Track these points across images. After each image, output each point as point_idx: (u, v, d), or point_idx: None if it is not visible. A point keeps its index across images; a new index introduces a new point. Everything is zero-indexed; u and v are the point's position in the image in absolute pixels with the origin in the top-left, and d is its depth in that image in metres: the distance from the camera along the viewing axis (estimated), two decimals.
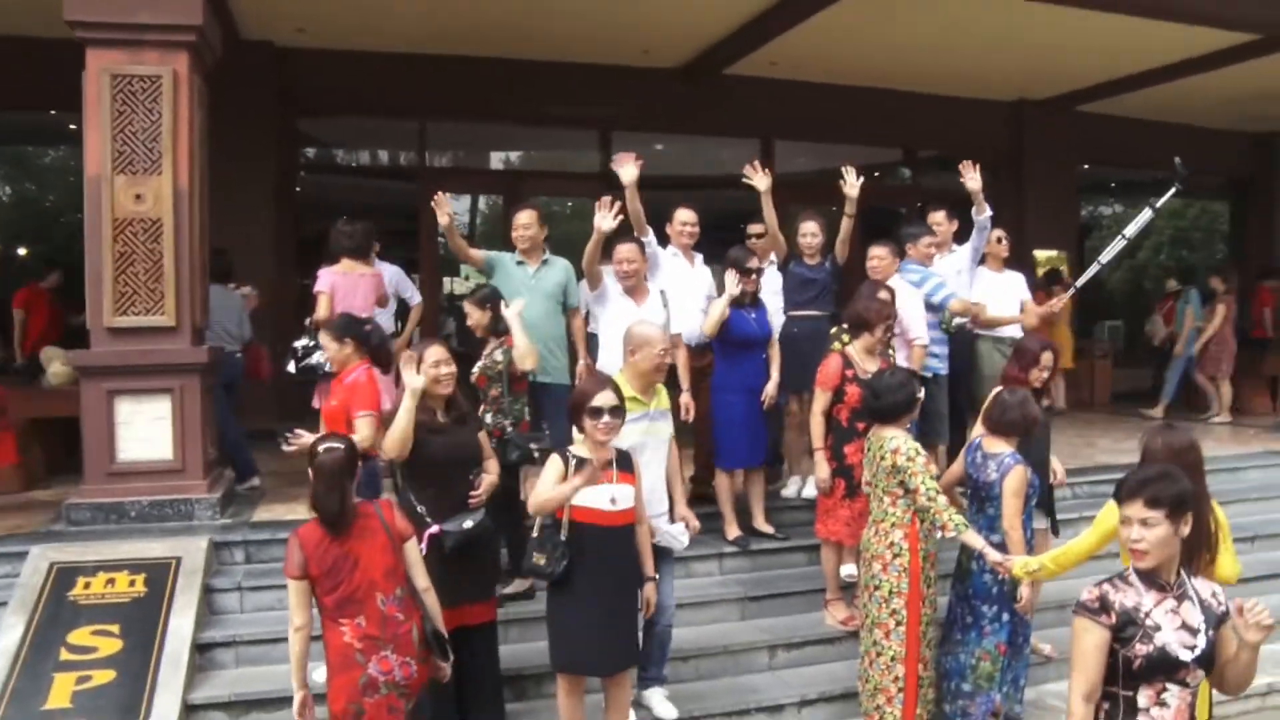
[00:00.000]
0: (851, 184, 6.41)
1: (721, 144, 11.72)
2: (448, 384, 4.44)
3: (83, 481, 6.06)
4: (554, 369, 5.98)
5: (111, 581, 5.29)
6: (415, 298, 7.80)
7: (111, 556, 5.44)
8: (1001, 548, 4.70)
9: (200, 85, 6.28)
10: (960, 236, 7.24)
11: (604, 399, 4.10)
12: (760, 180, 6.27)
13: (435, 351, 4.42)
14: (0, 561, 5.55)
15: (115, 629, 5.02)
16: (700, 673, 5.40)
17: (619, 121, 10.71)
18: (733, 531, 6.23)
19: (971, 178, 6.60)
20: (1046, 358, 5.36)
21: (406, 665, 3.76)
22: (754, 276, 5.99)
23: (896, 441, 4.79)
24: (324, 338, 5.19)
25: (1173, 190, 7.55)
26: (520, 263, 6.07)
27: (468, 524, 4.33)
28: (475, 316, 5.50)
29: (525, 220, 6.07)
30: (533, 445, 5.04)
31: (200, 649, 5.11)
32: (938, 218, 7.15)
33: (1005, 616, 4.87)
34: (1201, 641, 2.83)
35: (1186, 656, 2.82)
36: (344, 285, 6.21)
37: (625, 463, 4.26)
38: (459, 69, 9.85)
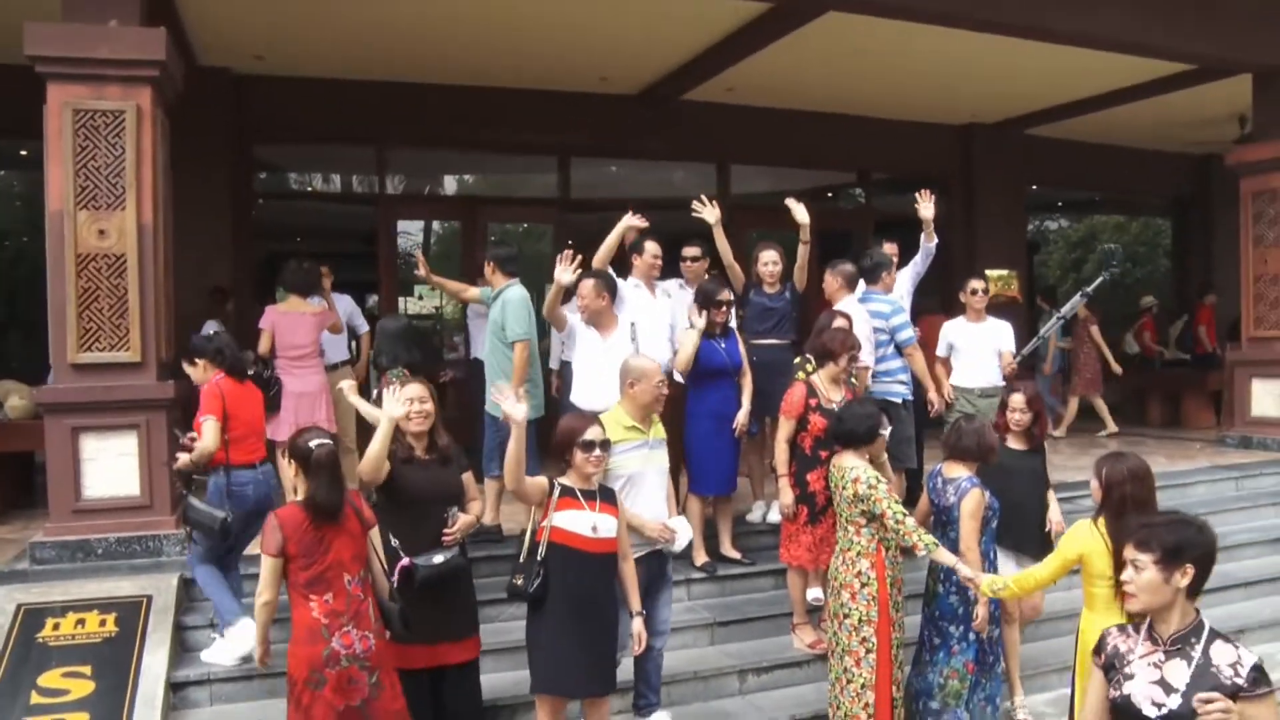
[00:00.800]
0: (798, 211, 6.50)
1: (678, 168, 11.87)
2: (419, 422, 4.48)
3: (47, 519, 6.00)
4: (535, 406, 6.08)
5: (81, 622, 5.25)
6: (363, 327, 8.25)
7: (80, 596, 5.40)
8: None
9: (163, 119, 6.27)
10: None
11: (594, 433, 4.30)
12: (709, 213, 6.38)
13: (412, 389, 4.49)
14: None
15: (87, 670, 4.99)
16: (672, 698, 5.44)
17: (576, 147, 10.79)
18: (700, 557, 6.32)
19: (925, 206, 6.83)
20: (1014, 400, 5.54)
21: (366, 639, 4.00)
22: (724, 308, 6.09)
23: (856, 471, 4.90)
24: (184, 364, 5.60)
25: (1102, 278, 8.95)
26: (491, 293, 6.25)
27: (438, 559, 4.35)
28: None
29: (498, 254, 6.38)
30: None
31: (174, 688, 5.10)
32: (890, 249, 7.33)
33: (971, 636, 5.02)
34: (1174, 703, 2.74)
35: (1151, 713, 2.77)
36: (284, 323, 6.87)
37: (608, 496, 4.38)
38: (417, 95, 9.87)
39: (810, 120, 11.37)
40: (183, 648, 5.39)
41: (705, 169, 11.56)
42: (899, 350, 6.67)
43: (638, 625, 4.41)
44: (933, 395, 6.79)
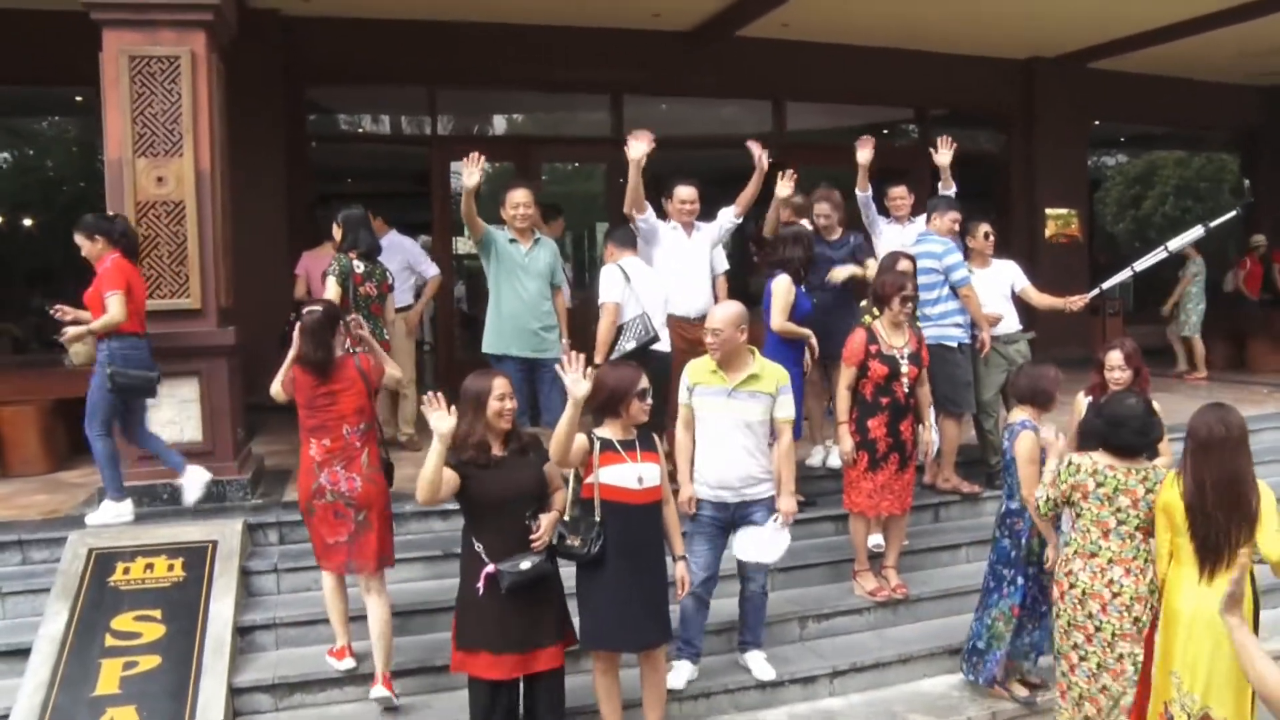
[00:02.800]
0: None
1: (732, 105, 11.64)
2: (510, 418, 4.17)
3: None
4: (552, 345, 6.10)
5: (150, 566, 5.33)
6: (430, 270, 8.07)
7: (149, 541, 5.49)
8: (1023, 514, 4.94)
9: (218, 64, 6.22)
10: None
11: (645, 381, 4.30)
12: (784, 188, 6.42)
13: (501, 384, 4.14)
14: (39, 547, 5.62)
15: (157, 614, 5.07)
16: (732, 645, 5.46)
17: (629, 85, 10.61)
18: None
19: (943, 153, 6.76)
20: (1111, 358, 5.27)
21: (352, 480, 4.66)
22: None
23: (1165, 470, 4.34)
24: (77, 238, 5.63)
25: (1233, 213, 7.87)
26: (513, 241, 6.08)
27: (525, 565, 4.02)
28: None
29: (524, 199, 6.05)
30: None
31: (241, 632, 5.18)
32: (898, 191, 7.08)
33: (1020, 580, 5.02)
34: None
35: None
36: (315, 266, 6.92)
37: (648, 442, 4.35)
38: (467, 35, 9.74)
39: (867, 56, 11.06)
40: (248, 592, 5.47)
41: (760, 106, 11.34)
42: (954, 291, 6.52)
43: (680, 569, 4.43)
44: (984, 336, 6.60)
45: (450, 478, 3.97)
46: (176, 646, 4.91)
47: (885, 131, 13.08)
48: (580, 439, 4.24)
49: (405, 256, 7.84)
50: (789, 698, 5.23)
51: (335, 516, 4.69)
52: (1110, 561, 4.21)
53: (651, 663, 4.48)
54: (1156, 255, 7.54)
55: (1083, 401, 5.46)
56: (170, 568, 5.35)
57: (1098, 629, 4.22)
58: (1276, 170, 14.05)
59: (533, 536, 4.10)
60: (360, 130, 11.44)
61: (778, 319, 6.01)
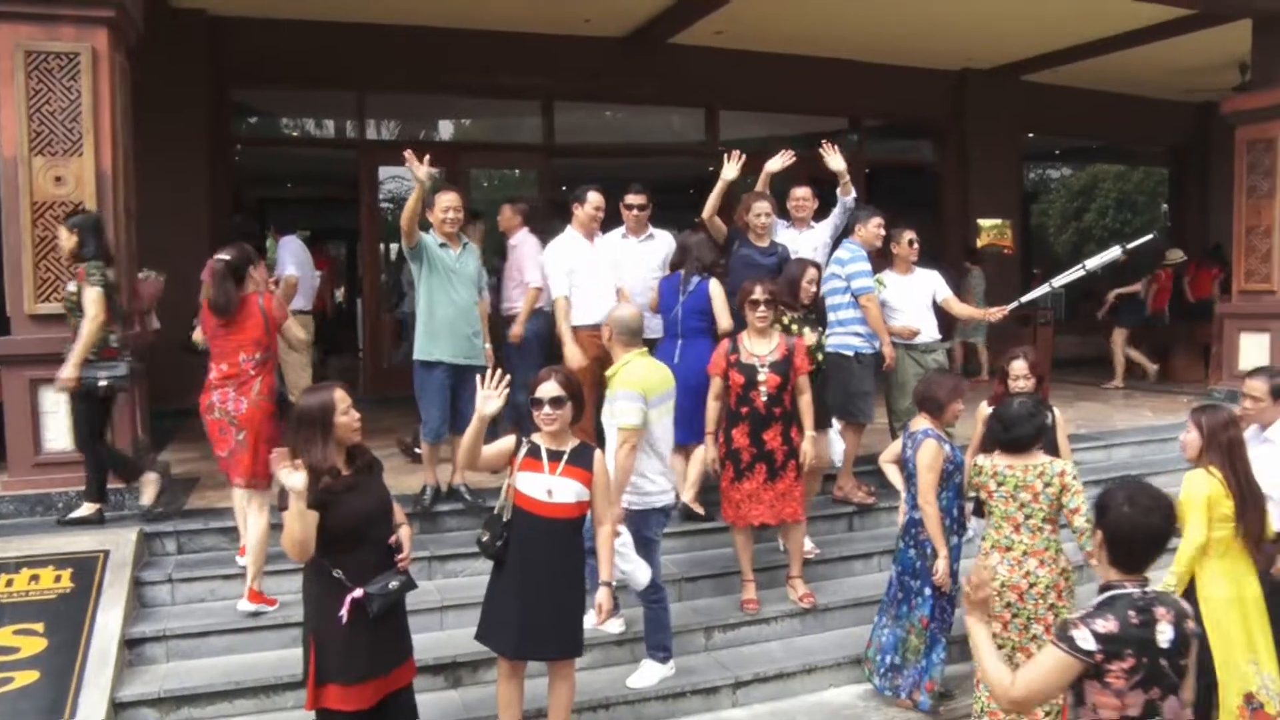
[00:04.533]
0: (832, 159, 6.51)
1: (666, 113, 11.64)
2: (360, 429, 3.92)
3: (6, 473, 5.93)
4: (480, 352, 6.05)
5: (36, 578, 5.17)
6: (287, 270, 7.84)
7: (36, 551, 5.32)
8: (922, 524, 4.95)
9: (122, 62, 6.09)
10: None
11: (544, 390, 4.16)
12: (731, 169, 6.28)
13: (342, 395, 3.85)
14: None
15: (39, 628, 4.90)
16: (636, 656, 5.40)
17: (561, 91, 10.59)
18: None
19: (833, 158, 6.56)
20: (1015, 367, 5.34)
21: (239, 402, 5.22)
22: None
23: (1062, 465, 4.62)
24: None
25: (1149, 236, 8.41)
26: (443, 245, 5.98)
27: (393, 584, 3.83)
28: None
29: (455, 203, 5.97)
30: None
31: (130, 644, 5.03)
32: (802, 193, 6.85)
33: (927, 591, 5.01)
34: None
35: None
36: None
37: (581, 458, 4.21)
38: (398, 38, 9.66)
39: (801, 65, 11.13)
40: (140, 603, 5.33)
41: (694, 114, 11.36)
42: (856, 300, 6.50)
43: (601, 595, 4.28)
44: (886, 349, 6.56)
45: (312, 522, 3.65)
46: (57, 661, 4.75)
47: (823, 141, 13.19)
48: (505, 442, 4.23)
49: (304, 260, 7.88)
50: (690, 708, 5.18)
51: (220, 433, 5.26)
52: (1025, 554, 4.51)
53: (557, 675, 4.39)
54: (1075, 273, 7.70)
55: (985, 410, 5.48)
56: (57, 579, 5.19)
57: (1015, 615, 4.50)
58: (1203, 185, 14.33)
59: (400, 556, 3.95)
60: (288, 134, 11.30)
61: (726, 319, 5.98)
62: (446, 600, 5.39)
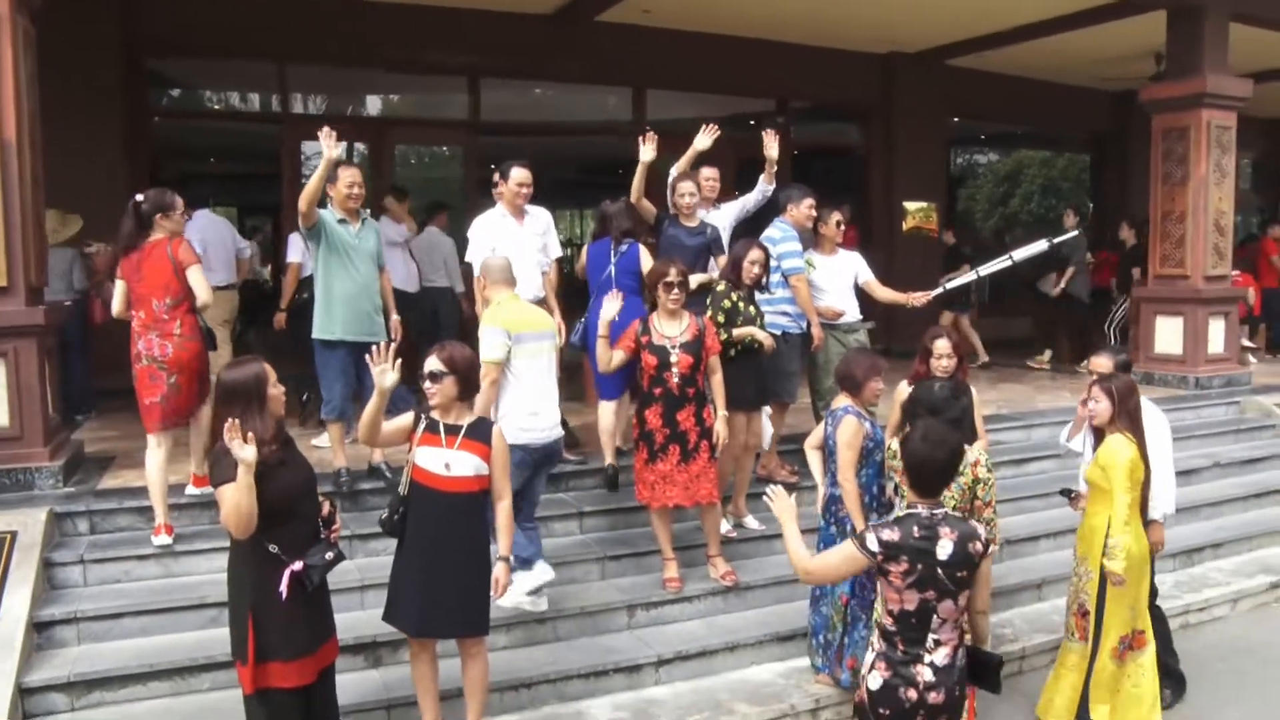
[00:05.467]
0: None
1: (593, 91, 11.58)
2: (283, 403, 3.91)
3: None
4: (381, 329, 5.98)
5: None
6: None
7: None
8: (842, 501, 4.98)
9: (26, 26, 5.87)
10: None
11: (429, 363, 4.19)
12: (647, 151, 6.31)
13: (268, 369, 3.84)
14: None
15: None
16: (559, 634, 5.44)
17: (488, 68, 10.48)
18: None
19: (771, 145, 6.69)
20: (938, 346, 5.32)
21: (164, 347, 5.40)
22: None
23: (976, 453, 4.72)
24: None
25: (1074, 234, 9.12)
26: (343, 221, 5.89)
27: (329, 555, 3.84)
28: None
29: (357, 178, 5.89)
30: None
31: (38, 627, 4.90)
32: (709, 172, 6.88)
33: None
34: None
35: None
36: None
37: (479, 432, 4.22)
38: (321, 9, 9.45)
39: (728, 45, 11.15)
40: (50, 585, 5.20)
41: (621, 93, 11.32)
42: (786, 280, 6.56)
43: (499, 570, 4.25)
44: (815, 330, 6.65)
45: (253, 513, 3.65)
46: None
47: (753, 123, 13.22)
48: (404, 418, 4.24)
49: (220, 234, 7.87)
50: (613, 687, 5.20)
51: (150, 379, 5.43)
52: None
53: (466, 653, 4.37)
54: (1001, 263, 7.89)
55: (905, 390, 5.54)
56: None
57: None
58: (1122, 172, 14.69)
59: (334, 527, 3.98)
60: (209, 107, 11.02)
61: None
62: (367, 580, 5.34)
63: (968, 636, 3.59)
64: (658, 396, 5.47)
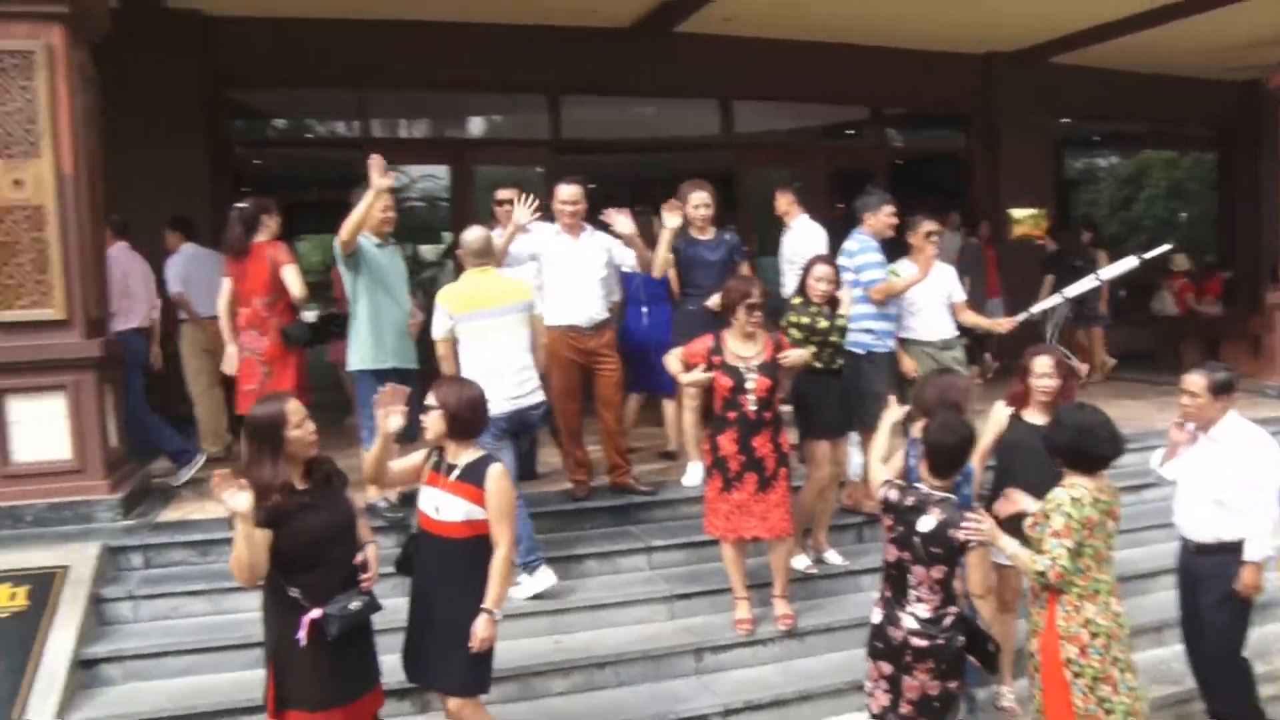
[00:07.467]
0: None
1: (677, 105, 11.27)
2: (316, 442, 3.70)
3: None
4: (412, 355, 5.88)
5: None
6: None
7: None
8: None
9: (83, 61, 5.87)
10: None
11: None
12: (672, 219, 5.92)
13: (295, 407, 3.63)
14: None
15: None
16: (621, 679, 5.11)
17: (567, 85, 10.30)
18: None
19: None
20: (1038, 364, 4.79)
21: (260, 341, 5.96)
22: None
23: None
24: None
25: (1167, 247, 8.15)
26: (380, 245, 5.78)
27: (354, 605, 3.60)
28: None
29: (391, 200, 5.80)
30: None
31: (85, 665, 4.81)
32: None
33: None
34: None
35: None
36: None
37: (474, 474, 3.85)
38: (398, 34, 9.41)
39: (818, 51, 10.72)
40: (100, 621, 5.10)
41: (706, 106, 11.00)
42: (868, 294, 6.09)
43: (479, 623, 3.79)
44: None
45: (263, 542, 3.46)
46: (4, 684, 4.54)
47: (850, 132, 12.74)
48: (414, 457, 4.04)
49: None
50: None
51: (250, 370, 5.96)
52: (1109, 594, 3.97)
53: (448, 711, 4.04)
54: (1088, 283, 7.49)
55: (1003, 411, 5.01)
56: (13, 596, 4.99)
57: (1121, 671, 3.96)
58: (1252, 169, 13.64)
59: (364, 577, 3.73)
60: (289, 135, 11.11)
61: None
62: (395, 621, 5.08)
63: (984, 620, 4.16)
64: (732, 421, 5.11)
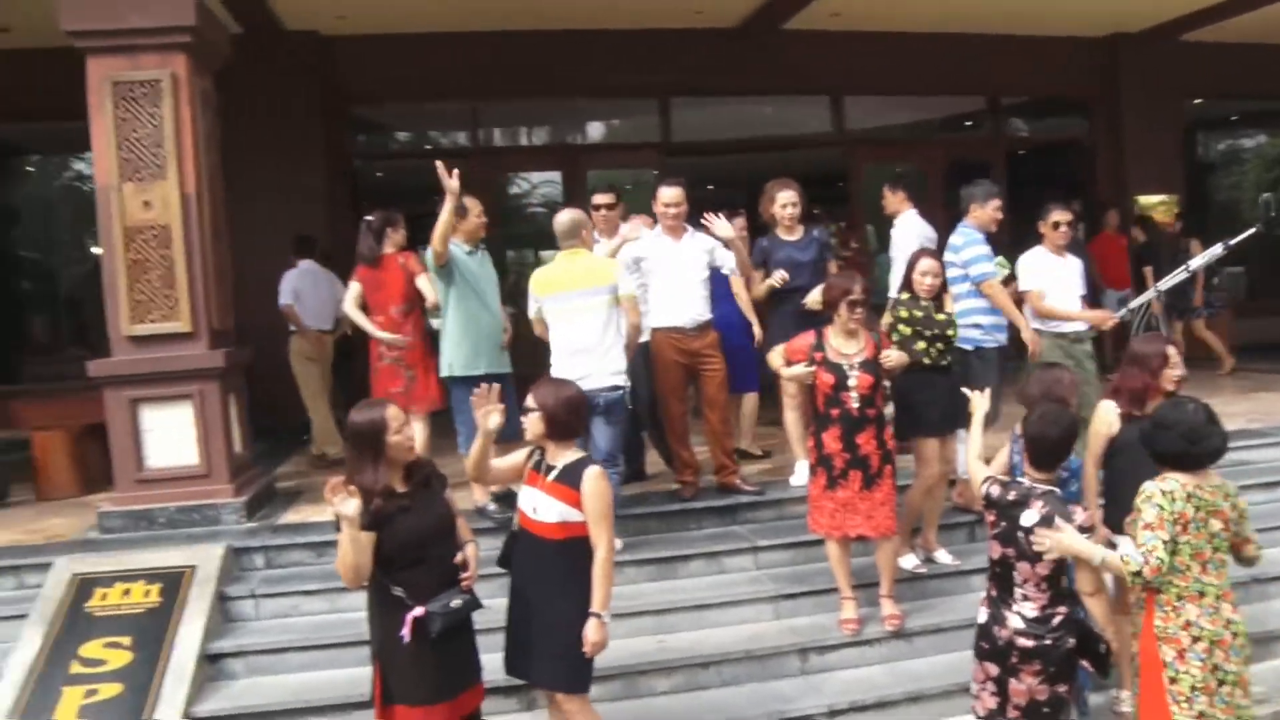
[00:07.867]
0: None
1: (787, 103, 11.19)
2: (414, 447, 3.83)
3: (113, 489, 6.10)
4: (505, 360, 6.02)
5: (128, 592, 5.28)
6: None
7: (130, 566, 5.44)
8: None
9: (205, 86, 6.18)
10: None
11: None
12: (722, 227, 5.94)
13: (395, 413, 3.71)
14: (34, 572, 5.61)
15: (127, 641, 5.01)
16: (724, 679, 5.10)
17: (676, 87, 10.34)
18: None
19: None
20: (1173, 354, 4.59)
21: (400, 349, 6.24)
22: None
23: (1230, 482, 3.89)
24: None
25: (1253, 230, 7.51)
26: (470, 252, 5.92)
27: (456, 603, 3.69)
28: None
29: (480, 207, 5.98)
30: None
31: (211, 659, 5.06)
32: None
33: None
34: None
35: None
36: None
37: (570, 475, 3.87)
38: (507, 44, 9.65)
39: (930, 42, 10.50)
40: (225, 618, 5.36)
41: (817, 103, 10.87)
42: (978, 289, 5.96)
43: (589, 627, 3.81)
44: (1026, 335, 6.01)
45: (367, 545, 3.57)
46: (139, 674, 4.83)
47: (969, 123, 12.40)
48: (516, 456, 4.07)
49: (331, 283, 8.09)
50: None
51: (392, 375, 6.26)
52: (1218, 598, 3.66)
53: (551, 705, 4.10)
54: (1178, 275, 7.30)
55: (1111, 410, 4.79)
56: (147, 593, 5.29)
57: (1222, 682, 3.65)
58: None
59: (464, 575, 3.80)
60: (407, 147, 11.43)
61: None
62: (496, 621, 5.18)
63: (1095, 620, 3.87)
64: (835, 418, 5.05)
